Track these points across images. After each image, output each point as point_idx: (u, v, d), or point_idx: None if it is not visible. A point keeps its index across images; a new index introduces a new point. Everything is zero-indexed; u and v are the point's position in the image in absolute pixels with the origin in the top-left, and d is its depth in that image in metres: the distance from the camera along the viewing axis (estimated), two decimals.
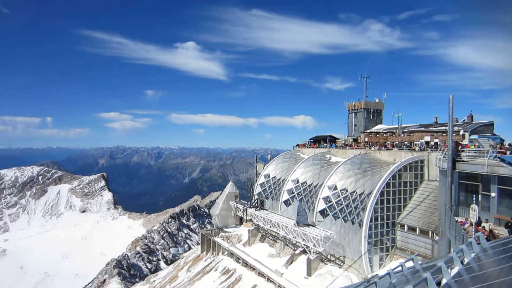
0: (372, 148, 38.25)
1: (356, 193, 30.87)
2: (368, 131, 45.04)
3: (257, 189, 46.94)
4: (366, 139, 42.99)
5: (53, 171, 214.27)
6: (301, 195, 38.52)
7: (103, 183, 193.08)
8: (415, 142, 34.90)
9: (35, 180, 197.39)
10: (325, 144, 47.75)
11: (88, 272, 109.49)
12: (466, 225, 16.69)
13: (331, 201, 32.97)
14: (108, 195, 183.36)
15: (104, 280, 79.99)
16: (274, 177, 45.23)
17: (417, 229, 28.02)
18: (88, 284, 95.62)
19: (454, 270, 7.38)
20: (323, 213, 33.69)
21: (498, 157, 17.16)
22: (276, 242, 41.15)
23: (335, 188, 33.16)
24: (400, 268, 8.94)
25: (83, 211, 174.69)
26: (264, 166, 48.98)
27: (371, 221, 28.76)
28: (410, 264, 9.16)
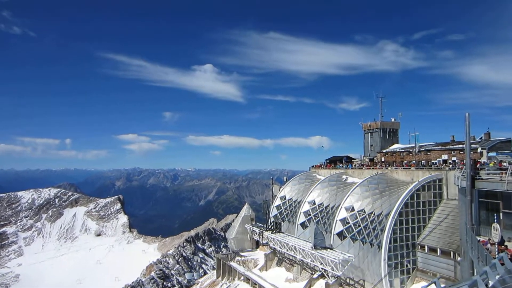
0: (389, 168, 37.77)
1: (374, 214, 30.32)
2: (384, 150, 44.60)
3: (273, 212, 46.57)
4: (383, 159, 42.51)
5: (70, 193, 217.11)
6: (318, 217, 38.03)
7: (119, 205, 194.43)
8: (432, 161, 34.35)
9: (51, 202, 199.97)
10: (341, 165, 47.37)
11: None
12: (488, 245, 16.16)
13: (349, 223, 32.42)
14: (123, 218, 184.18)
15: None
16: (291, 199, 44.88)
17: (438, 250, 27.19)
18: None
19: None
20: (340, 235, 33.09)
21: None
22: (293, 266, 40.41)
23: (352, 209, 32.67)
24: None
25: (98, 235, 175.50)
26: (280, 187, 48.73)
27: (390, 242, 28.07)
28: (433, 287, 8.93)
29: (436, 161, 33.65)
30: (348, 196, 33.80)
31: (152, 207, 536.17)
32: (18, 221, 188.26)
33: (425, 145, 38.66)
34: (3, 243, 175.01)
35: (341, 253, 31.83)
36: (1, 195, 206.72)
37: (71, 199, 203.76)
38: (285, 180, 50.03)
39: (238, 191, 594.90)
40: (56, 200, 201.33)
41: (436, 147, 36.26)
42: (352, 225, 32.09)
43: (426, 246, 28.32)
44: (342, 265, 30.43)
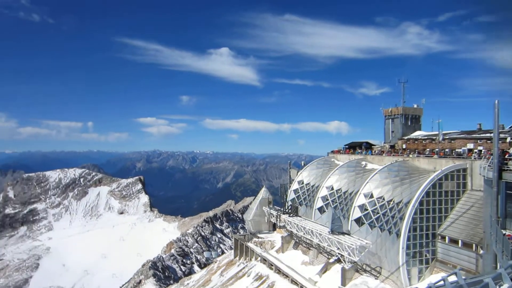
0: (410, 155, 36.97)
1: (394, 201, 29.90)
2: (406, 137, 43.63)
3: (291, 195, 46.61)
4: (404, 146, 41.62)
5: (94, 173, 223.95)
6: (336, 202, 37.83)
7: (140, 186, 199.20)
8: (456, 150, 33.40)
9: (77, 182, 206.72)
10: (360, 151, 46.70)
11: (125, 272, 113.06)
12: None
13: (367, 210, 32.13)
14: (144, 198, 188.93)
15: (140, 281, 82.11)
16: (308, 183, 44.73)
17: (460, 242, 26.68)
18: (124, 284, 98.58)
19: None
20: (358, 221, 32.88)
21: None
22: (309, 249, 40.59)
23: (371, 196, 32.31)
24: (442, 282, 8.54)
25: (121, 213, 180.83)
26: (297, 172, 48.58)
27: (409, 231, 27.69)
28: (453, 278, 8.73)
29: (461, 150, 32.67)
30: (367, 182, 33.39)
31: (171, 188, 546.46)
32: (47, 198, 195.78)
33: (450, 132, 37.55)
34: (34, 218, 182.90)
35: (359, 239, 31.68)
36: (30, 174, 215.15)
37: (95, 179, 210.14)
38: (302, 164, 49.84)
39: (255, 174, 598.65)
40: (81, 179, 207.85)
41: (462, 135, 35.19)
42: (370, 211, 31.79)
43: (447, 237, 27.82)
44: (359, 251, 30.34)
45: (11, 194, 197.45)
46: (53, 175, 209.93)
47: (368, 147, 47.57)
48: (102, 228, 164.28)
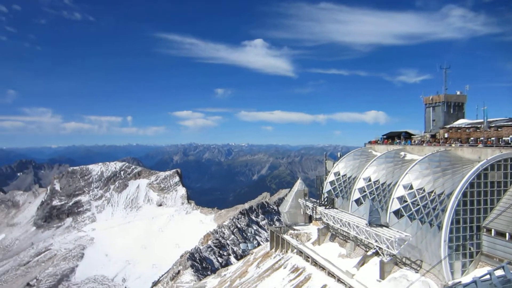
0: (453, 145, 35.37)
1: (435, 193, 28.78)
2: (448, 126, 41.76)
3: (327, 187, 46.07)
4: (446, 135, 39.87)
5: (133, 166, 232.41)
6: (373, 194, 36.97)
7: (177, 178, 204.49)
8: (504, 138, 31.57)
9: (117, 174, 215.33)
10: (399, 141, 45.24)
11: (164, 262, 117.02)
12: None
13: (406, 201, 31.16)
14: (182, 190, 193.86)
15: (179, 271, 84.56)
16: (345, 175, 44.00)
17: (507, 235, 25.30)
18: (164, 274, 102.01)
19: None
20: (397, 213, 31.99)
21: None
22: (346, 242, 40.06)
23: (411, 187, 31.28)
24: (488, 276, 8.15)
25: (160, 205, 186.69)
26: (333, 163, 47.87)
27: (452, 223, 26.59)
28: (500, 272, 8.32)
29: (509, 138, 30.84)
30: (407, 173, 32.34)
31: (208, 181, 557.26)
32: (90, 191, 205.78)
33: (496, 120, 35.50)
34: (79, 210, 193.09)
35: (397, 231, 30.83)
36: (75, 168, 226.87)
37: (134, 172, 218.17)
38: (338, 156, 49.00)
39: (290, 166, 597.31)
40: (122, 172, 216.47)
41: (509, 123, 33.18)
42: (410, 203, 30.81)
43: (492, 230, 26.48)
44: (398, 244, 29.54)
45: (57, 187, 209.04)
46: (96, 169, 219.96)
47: (407, 137, 45.99)
48: (142, 220, 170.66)
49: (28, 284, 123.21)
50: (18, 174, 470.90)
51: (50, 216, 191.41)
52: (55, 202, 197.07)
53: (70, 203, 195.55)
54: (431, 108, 45.86)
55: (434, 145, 38.24)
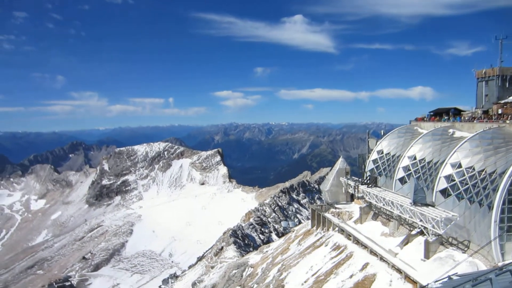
0: (507, 122, 33.27)
1: (485, 172, 27.45)
2: (502, 101, 39.17)
3: (369, 166, 45.23)
4: (500, 111, 37.47)
5: (176, 147, 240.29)
6: (419, 172, 35.86)
7: (218, 158, 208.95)
8: None
9: (161, 155, 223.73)
10: (447, 118, 43.17)
11: (208, 238, 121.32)
12: None
13: (454, 180, 29.99)
14: (223, 169, 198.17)
15: (222, 247, 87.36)
16: (388, 153, 42.91)
17: None
18: (208, 250, 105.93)
19: None
20: (444, 192, 30.93)
21: None
22: (389, 221, 39.45)
23: (459, 166, 30.00)
24: None
25: (202, 184, 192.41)
26: (377, 141, 46.73)
27: (503, 203, 25.36)
28: None
29: None
30: (455, 151, 30.99)
31: (248, 160, 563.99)
32: (137, 170, 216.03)
33: None
34: (126, 189, 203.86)
35: (444, 211, 29.91)
36: (121, 149, 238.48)
37: (177, 151, 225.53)
38: (382, 133, 47.68)
39: (331, 144, 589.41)
40: (165, 153, 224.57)
41: None
42: (458, 182, 29.64)
43: None
44: (444, 224, 28.72)
45: (106, 167, 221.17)
46: (141, 149, 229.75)
47: (457, 113, 43.73)
48: (185, 198, 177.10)
49: (83, 257, 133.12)
50: (70, 155, 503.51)
51: (100, 194, 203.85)
52: (105, 182, 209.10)
53: (118, 182, 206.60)
54: (483, 82, 43.09)
55: (486, 121, 36.14)
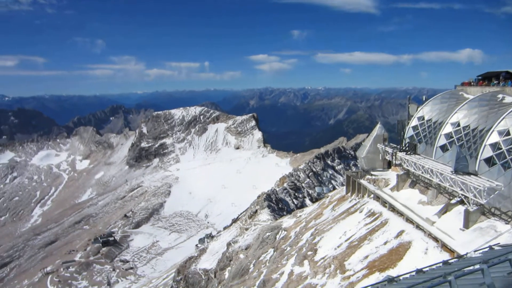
0: None
1: None
2: None
3: (409, 132, 43.64)
4: None
5: (212, 111, 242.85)
6: (462, 140, 34.19)
7: (253, 122, 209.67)
8: None
9: (197, 119, 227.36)
10: (497, 82, 40.33)
11: (242, 201, 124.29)
12: None
13: (501, 149, 28.37)
14: (258, 134, 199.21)
15: (256, 211, 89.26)
16: (430, 119, 41.06)
17: None
18: (242, 212, 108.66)
19: None
20: (488, 161, 29.44)
21: None
22: (428, 189, 38.40)
23: (508, 133, 28.24)
24: None
25: (237, 148, 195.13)
26: (418, 107, 44.75)
27: None
28: None
29: None
30: (504, 118, 29.10)
31: (283, 125, 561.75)
32: (174, 134, 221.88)
33: None
34: (164, 151, 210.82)
35: (488, 180, 28.62)
36: (159, 112, 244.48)
37: (213, 116, 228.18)
38: (424, 99, 45.45)
39: (369, 110, 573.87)
40: (201, 117, 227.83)
41: None
42: (505, 151, 28.02)
43: None
44: (487, 193, 27.52)
45: (144, 130, 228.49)
46: (177, 113, 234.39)
47: (508, 77, 40.66)
48: (221, 162, 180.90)
49: (125, 215, 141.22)
50: (111, 118, 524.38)
51: (139, 156, 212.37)
52: (143, 144, 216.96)
53: (156, 145, 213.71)
54: None
55: None
